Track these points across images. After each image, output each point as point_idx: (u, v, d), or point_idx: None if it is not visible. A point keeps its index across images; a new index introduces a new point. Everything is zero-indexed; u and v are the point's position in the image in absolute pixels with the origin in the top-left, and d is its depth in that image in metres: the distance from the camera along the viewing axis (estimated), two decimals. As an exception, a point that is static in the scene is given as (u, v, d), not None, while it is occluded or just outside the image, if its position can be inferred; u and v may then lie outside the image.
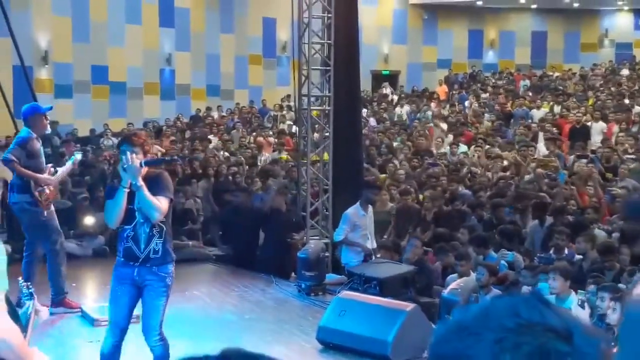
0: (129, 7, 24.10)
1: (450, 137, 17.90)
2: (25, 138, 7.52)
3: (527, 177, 12.71)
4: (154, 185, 5.17)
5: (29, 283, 3.25)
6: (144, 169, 5.15)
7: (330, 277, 9.73)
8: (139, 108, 24.47)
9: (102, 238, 11.19)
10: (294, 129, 18.66)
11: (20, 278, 3.11)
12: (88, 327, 7.42)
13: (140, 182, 5.07)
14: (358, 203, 9.85)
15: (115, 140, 19.54)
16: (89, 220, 11.35)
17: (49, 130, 8.06)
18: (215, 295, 9.16)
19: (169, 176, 5.47)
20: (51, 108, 8.14)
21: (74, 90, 23.04)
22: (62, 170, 7.90)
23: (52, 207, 7.77)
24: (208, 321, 7.85)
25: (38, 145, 7.61)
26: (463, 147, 16.27)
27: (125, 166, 5.08)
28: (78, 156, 8.14)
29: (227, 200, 11.99)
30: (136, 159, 5.08)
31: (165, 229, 5.24)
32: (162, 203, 5.15)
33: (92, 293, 9.51)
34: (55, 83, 22.56)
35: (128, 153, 5.09)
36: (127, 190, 5.10)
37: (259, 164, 15.91)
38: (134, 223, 5.19)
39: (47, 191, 7.52)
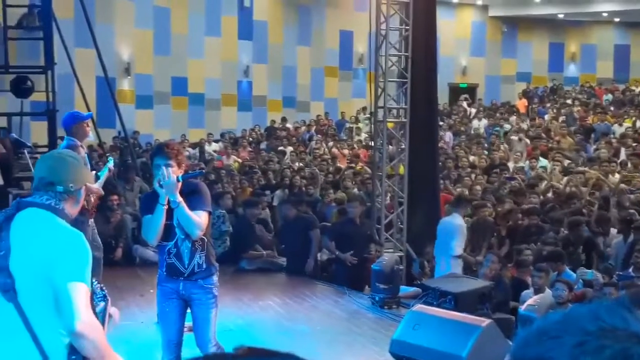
0: (209, 20, 24.53)
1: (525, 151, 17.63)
2: (68, 146, 7.48)
3: (606, 191, 12.38)
4: (192, 198, 4.98)
5: (102, 285, 3.30)
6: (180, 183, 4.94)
7: (404, 290, 9.66)
8: (217, 119, 24.84)
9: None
10: (370, 141, 18.62)
11: (93, 279, 3.16)
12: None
13: (179, 199, 4.87)
14: (460, 216, 9.92)
15: (192, 151, 19.92)
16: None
17: (91, 137, 7.97)
18: (288, 305, 9.17)
19: (206, 187, 5.32)
20: (91, 115, 8.03)
21: (155, 101, 23.55)
22: (102, 179, 7.88)
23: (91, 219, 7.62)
24: (280, 331, 7.86)
25: (82, 153, 7.56)
26: (543, 162, 15.96)
27: (161, 182, 4.87)
28: (111, 163, 8.01)
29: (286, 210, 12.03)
30: (172, 174, 4.86)
31: (206, 240, 5.13)
32: (202, 218, 4.98)
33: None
34: (137, 94, 23.10)
35: (163, 168, 4.87)
36: (165, 207, 4.91)
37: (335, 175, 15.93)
38: (175, 239, 5.05)
39: (92, 199, 7.46)
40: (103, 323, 3.15)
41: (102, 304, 3.25)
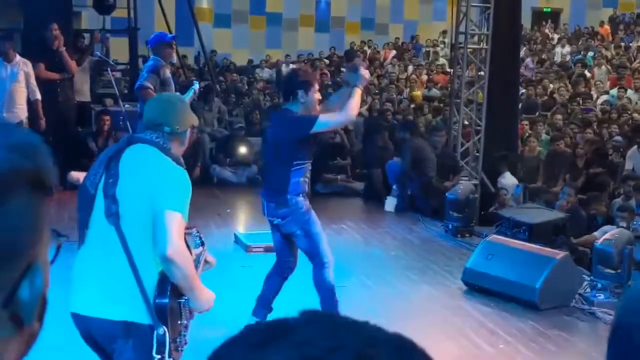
0: (289, -63, 24.19)
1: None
2: (156, 65, 7.43)
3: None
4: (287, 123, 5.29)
5: (199, 232, 3.53)
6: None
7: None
8: (294, 40, 24.70)
9: (255, 167, 11.51)
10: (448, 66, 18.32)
11: (194, 229, 3.38)
12: (241, 253, 7.70)
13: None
14: None
15: (270, 71, 19.94)
16: (243, 149, 11.69)
17: (174, 59, 8.03)
18: (362, 230, 9.25)
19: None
20: (175, 37, 8.07)
21: (233, 20, 23.52)
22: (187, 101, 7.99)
23: None
24: (355, 255, 7.91)
25: (168, 73, 7.65)
26: (630, 92, 15.43)
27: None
28: (196, 86, 8.11)
29: (374, 136, 11.95)
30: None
31: None
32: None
33: (246, 219, 9.84)
34: (215, 12, 23.10)
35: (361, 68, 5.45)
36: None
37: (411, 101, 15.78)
38: (311, 161, 5.38)
39: None
40: (197, 267, 3.34)
41: (200, 249, 3.48)
